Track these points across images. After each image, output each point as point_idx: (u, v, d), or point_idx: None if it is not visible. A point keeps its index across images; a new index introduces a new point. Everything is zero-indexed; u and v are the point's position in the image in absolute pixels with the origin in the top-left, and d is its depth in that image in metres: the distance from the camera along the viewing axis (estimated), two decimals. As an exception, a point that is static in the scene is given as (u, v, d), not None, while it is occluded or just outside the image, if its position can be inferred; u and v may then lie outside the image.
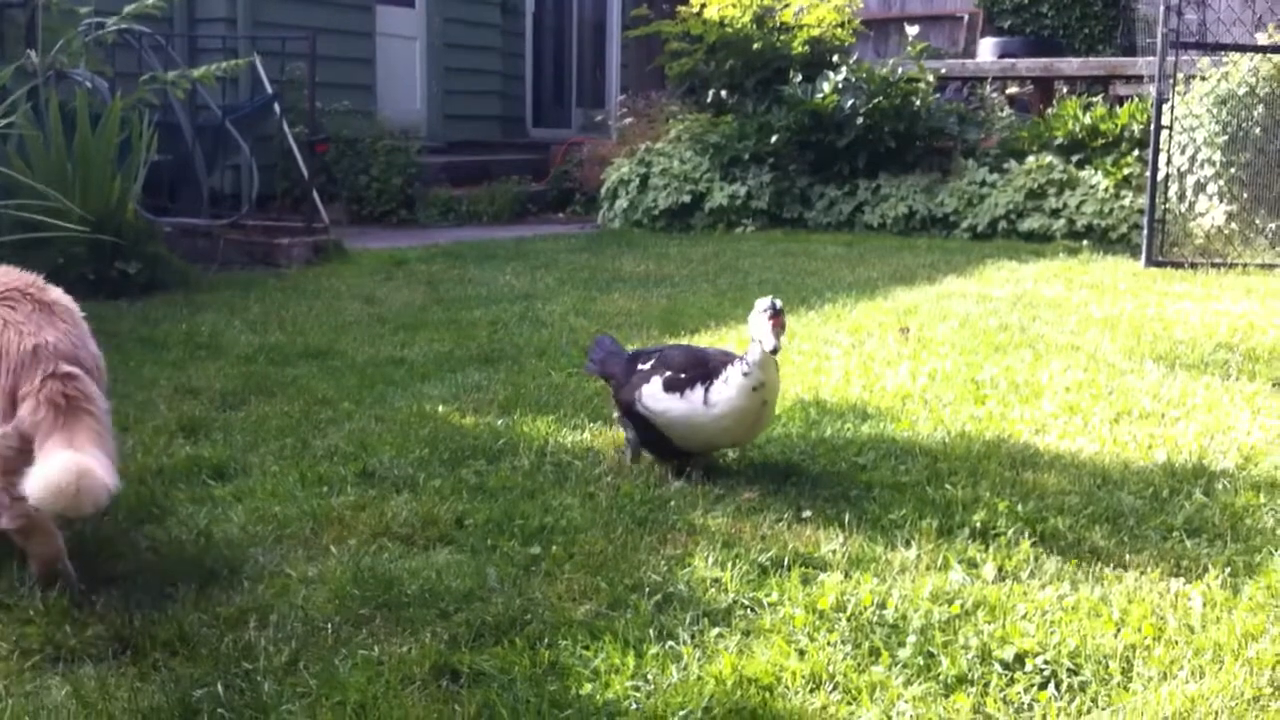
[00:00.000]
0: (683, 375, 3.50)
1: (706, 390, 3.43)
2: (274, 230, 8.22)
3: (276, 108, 9.05)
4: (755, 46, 10.87)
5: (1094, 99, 10.53)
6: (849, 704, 2.30)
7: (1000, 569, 2.91)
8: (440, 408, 4.24)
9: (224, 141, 8.76)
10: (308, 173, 8.80)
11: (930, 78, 10.48)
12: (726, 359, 3.51)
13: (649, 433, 3.58)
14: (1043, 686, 2.38)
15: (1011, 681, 2.39)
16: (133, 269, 6.39)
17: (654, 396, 3.52)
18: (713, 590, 2.77)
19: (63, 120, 6.20)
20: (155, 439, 3.81)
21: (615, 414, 3.82)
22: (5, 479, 2.54)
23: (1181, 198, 8.54)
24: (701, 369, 3.50)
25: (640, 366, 3.65)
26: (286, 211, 9.21)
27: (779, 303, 3.36)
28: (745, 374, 3.40)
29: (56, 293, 2.91)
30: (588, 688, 2.34)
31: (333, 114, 10.41)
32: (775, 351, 3.37)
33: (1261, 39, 8.66)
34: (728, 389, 3.41)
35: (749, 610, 2.68)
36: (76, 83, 7.05)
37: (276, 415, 4.12)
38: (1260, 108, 8.35)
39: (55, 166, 6.14)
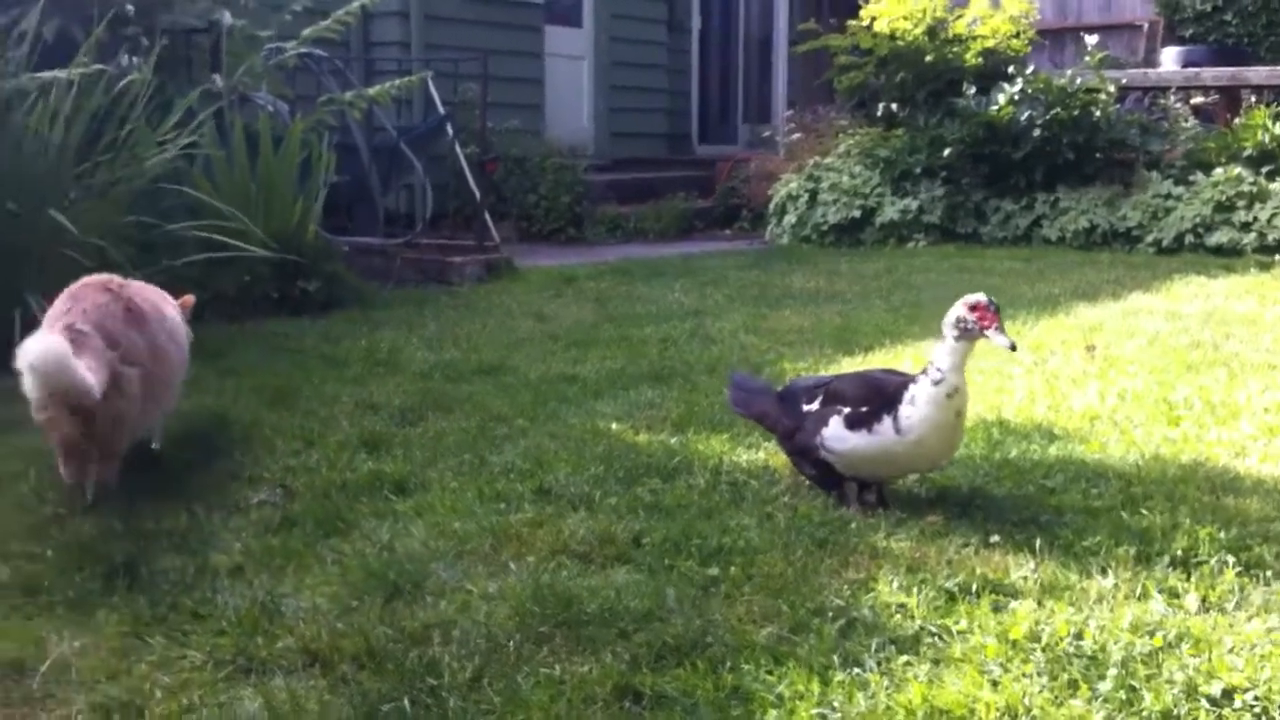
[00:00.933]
0: (864, 409, 3.33)
1: (895, 419, 3.27)
2: (447, 249, 8.37)
3: (449, 128, 9.21)
4: (927, 59, 10.68)
5: (1284, 108, 10.10)
6: (1047, 739, 2.20)
7: (1204, 599, 2.77)
8: (614, 425, 4.23)
9: (399, 162, 8.96)
10: (479, 192, 8.94)
11: (1110, 88, 10.16)
12: (904, 379, 3.38)
13: (832, 472, 3.43)
14: (1256, 726, 2.25)
15: (1220, 718, 2.26)
16: (313, 287, 6.55)
17: (839, 438, 3.35)
18: (898, 616, 2.69)
19: (246, 142, 6.40)
20: (339, 454, 3.88)
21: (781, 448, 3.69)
22: None
23: (1383, 209, 8.11)
24: (882, 397, 3.33)
25: (807, 407, 3.47)
26: (458, 230, 9.37)
27: (995, 299, 3.23)
28: (936, 382, 3.23)
29: (141, 295, 3.68)
30: (772, 714, 2.28)
31: (502, 133, 10.57)
32: (1013, 349, 3.27)
33: None
34: (918, 409, 3.24)
35: (937, 638, 2.59)
36: (259, 106, 7.28)
37: (454, 431, 4.16)
38: None
39: (239, 188, 6.33)
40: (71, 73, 5.45)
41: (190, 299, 4.14)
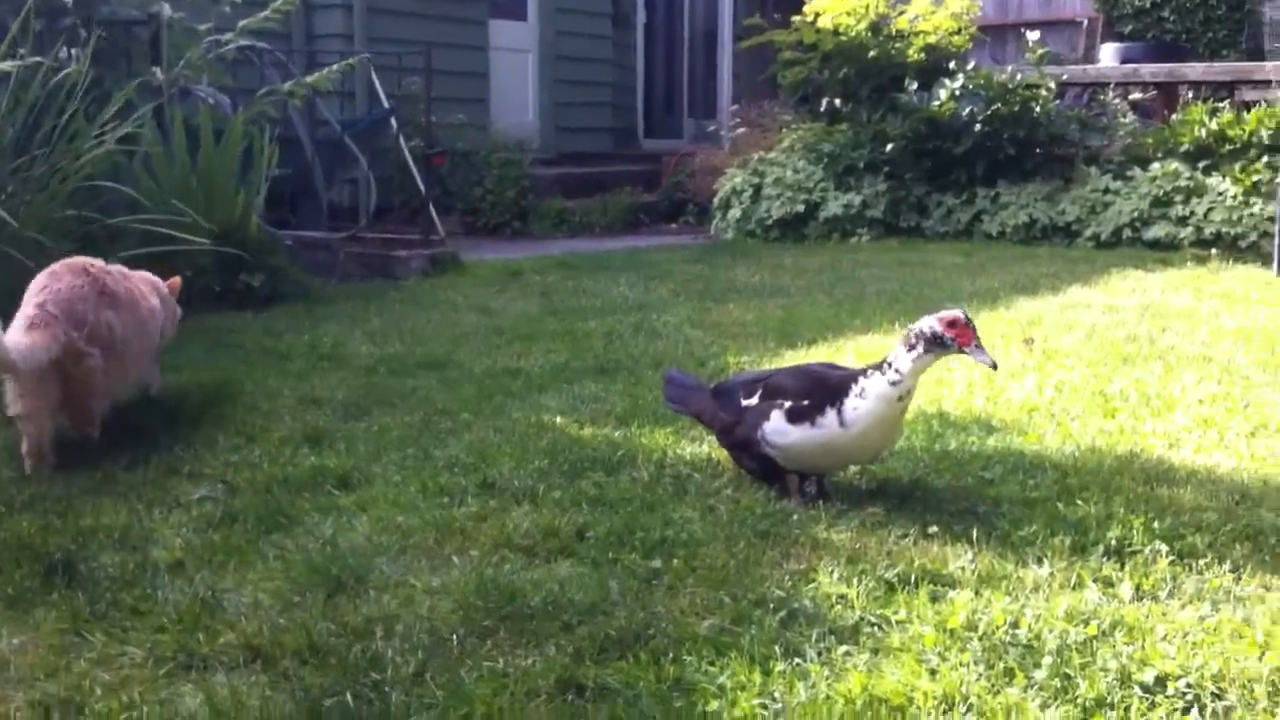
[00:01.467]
0: (806, 403, 3.35)
1: (840, 412, 3.29)
2: (391, 243, 8.33)
3: (393, 122, 9.17)
4: (870, 55, 10.75)
5: (1220, 104, 10.25)
6: (984, 726, 2.24)
7: (1138, 588, 2.82)
8: (558, 419, 4.24)
9: (342, 155, 8.91)
10: (424, 186, 8.91)
11: (1050, 84, 10.28)
12: (847, 373, 3.40)
13: (773, 466, 3.46)
14: (1185, 711, 2.29)
15: (1153, 705, 2.31)
16: (256, 281, 6.50)
17: (780, 431, 3.37)
18: (839, 607, 2.72)
19: (186, 135, 6.33)
20: (281, 449, 3.86)
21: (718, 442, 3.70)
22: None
23: (1315, 204, 8.25)
24: (824, 391, 3.35)
25: (746, 401, 3.48)
26: (403, 224, 9.33)
27: (968, 314, 3.26)
28: (893, 382, 3.25)
29: (116, 278, 3.99)
30: (714, 704, 2.30)
31: (448, 127, 10.52)
32: (995, 367, 3.34)
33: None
34: (867, 403, 3.27)
35: (876, 628, 2.63)
36: (199, 98, 7.21)
37: (398, 426, 4.15)
38: (1399, 110, 8.05)
39: (180, 181, 6.27)
40: (8, 65, 5.38)
41: (177, 281, 4.58)
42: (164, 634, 2.57)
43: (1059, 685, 2.37)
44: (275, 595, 2.76)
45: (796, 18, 11.25)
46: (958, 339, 3.22)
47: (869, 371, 3.32)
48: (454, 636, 2.56)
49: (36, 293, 3.76)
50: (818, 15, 10.98)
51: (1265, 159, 9.04)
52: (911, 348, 3.26)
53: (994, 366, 3.33)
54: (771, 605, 2.71)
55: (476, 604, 2.69)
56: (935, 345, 3.24)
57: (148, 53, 7.18)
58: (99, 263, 4.02)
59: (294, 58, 9.55)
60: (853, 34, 10.84)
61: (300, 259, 7.39)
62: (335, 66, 7.81)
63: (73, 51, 6.37)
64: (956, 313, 3.24)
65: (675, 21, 15.27)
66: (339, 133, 8.88)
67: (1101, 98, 11.20)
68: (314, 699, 2.29)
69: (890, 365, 3.28)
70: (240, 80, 8.30)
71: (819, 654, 2.50)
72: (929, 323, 3.25)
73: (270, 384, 4.72)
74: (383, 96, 9.55)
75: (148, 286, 4.30)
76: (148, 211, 5.88)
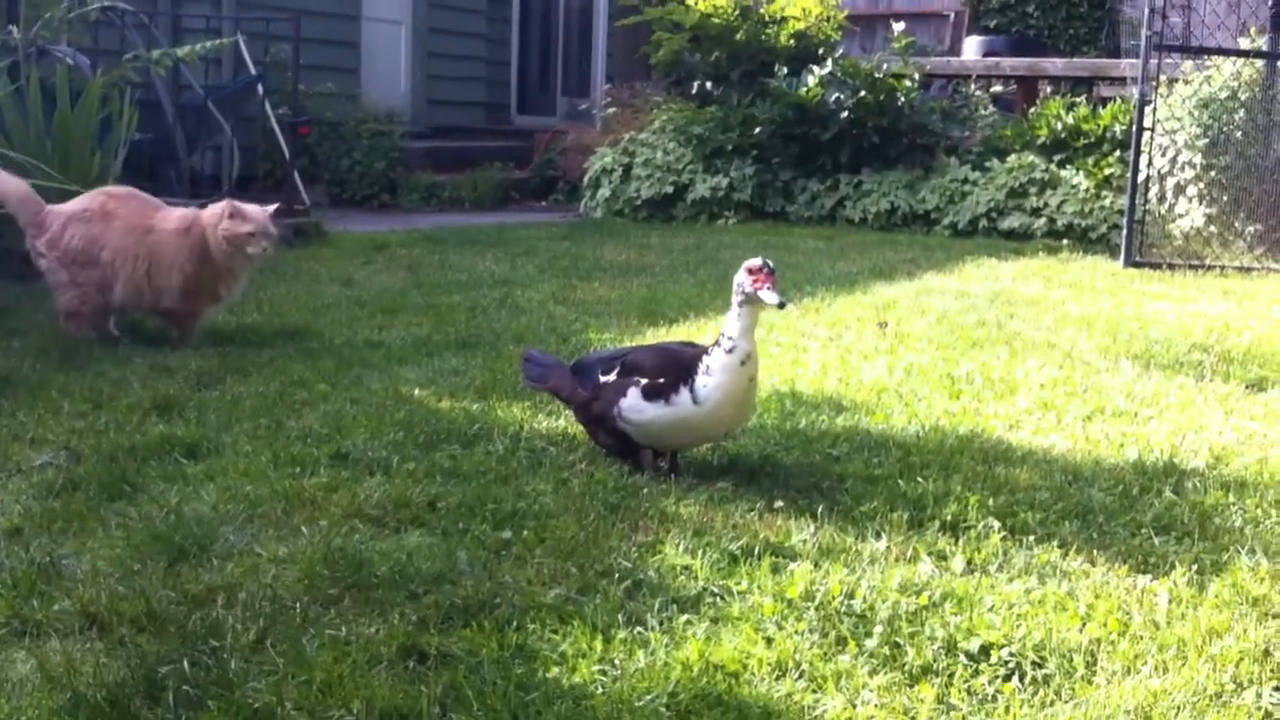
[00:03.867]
0: (662, 380, 3.39)
1: (691, 389, 3.34)
2: (254, 212, 8.17)
3: (260, 89, 9.01)
4: (739, 38, 10.87)
5: (1077, 99, 10.57)
6: (814, 692, 2.31)
7: (969, 562, 2.92)
8: (416, 391, 4.24)
9: (206, 121, 8.73)
10: (289, 154, 8.78)
11: (915, 74, 10.51)
12: (699, 350, 3.45)
13: (628, 441, 3.50)
14: (1007, 678, 2.39)
15: (976, 673, 2.40)
16: (110, 246, 6.33)
17: (636, 409, 3.41)
18: (683, 578, 2.78)
19: (43, 96, 6.16)
20: (129, 416, 3.80)
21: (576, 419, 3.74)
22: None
23: (1161, 199, 8.58)
24: (678, 368, 3.39)
25: (604, 377, 3.52)
26: (267, 193, 9.16)
27: (771, 262, 3.32)
28: (729, 350, 3.32)
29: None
30: (554, 671, 2.34)
31: (317, 97, 10.39)
32: (783, 306, 3.33)
33: (1244, 43, 8.70)
34: (713, 378, 3.32)
35: (718, 598, 2.69)
36: (57, 59, 7.01)
37: (251, 396, 4.11)
38: (1241, 112, 8.40)
39: (34, 142, 6.09)
40: None
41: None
42: (-3, 600, 2.52)
43: (888, 653, 2.45)
44: (115, 563, 2.72)
45: (670, -1, 11.34)
46: (753, 283, 3.30)
47: (712, 348, 3.39)
48: (297, 605, 2.55)
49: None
50: (691, -4, 11.08)
51: (1118, 154, 9.36)
52: (735, 309, 3.34)
53: (781, 306, 3.34)
54: (617, 575, 2.76)
55: (322, 573, 2.69)
56: (745, 296, 3.32)
57: (5, 10, 6.95)
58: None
59: (158, 20, 9.33)
60: (723, 16, 10.94)
61: (159, 225, 7.20)
62: (206, 44, 7.64)
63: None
64: (756, 260, 3.33)
65: (552, -2, 15.25)
66: (203, 98, 8.69)
67: (964, 89, 11.46)
68: (149, 665, 2.27)
69: (723, 334, 3.36)
70: (101, 42, 8.08)
71: (660, 623, 2.55)
72: (738, 275, 3.34)
73: (120, 351, 4.63)
74: (250, 63, 9.37)
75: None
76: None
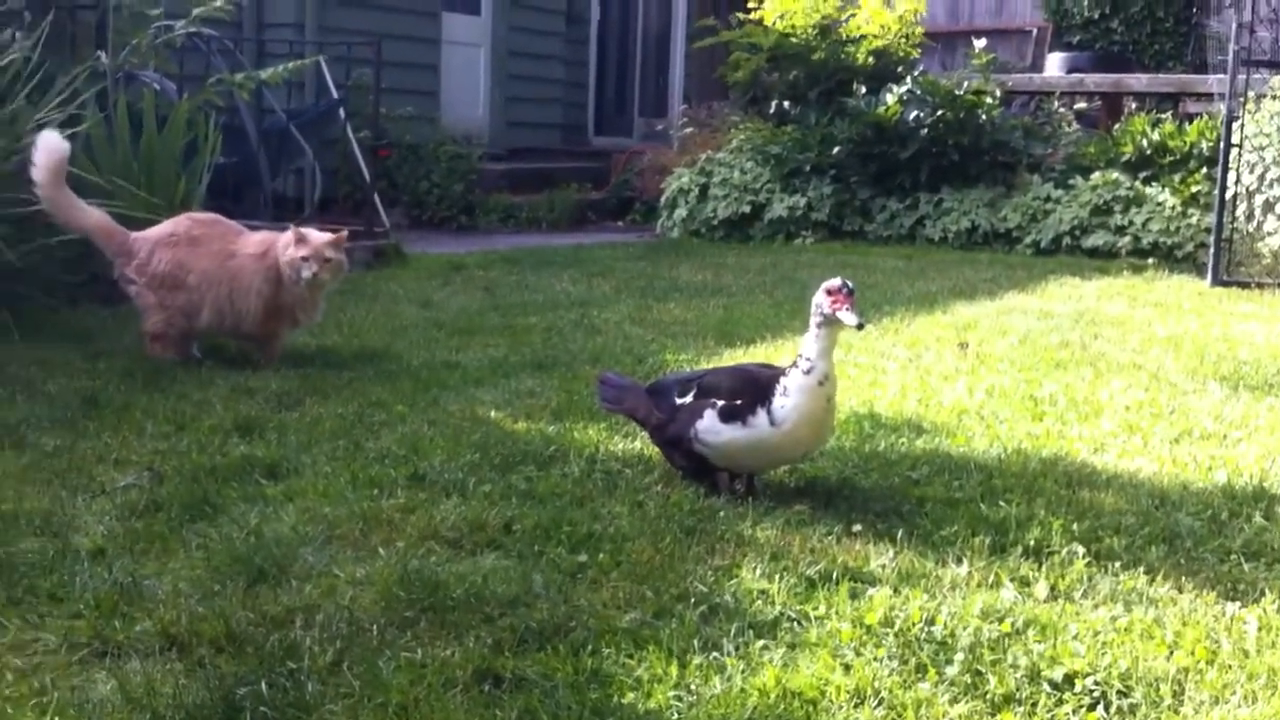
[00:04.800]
0: (739, 402, 3.37)
1: (769, 411, 3.32)
2: (335, 234, 8.26)
3: (341, 112, 9.13)
4: (817, 57, 10.83)
5: (1162, 116, 10.40)
6: (894, 721, 2.27)
7: (1053, 588, 2.86)
8: (493, 413, 4.25)
9: (288, 145, 8.85)
10: (370, 177, 8.88)
11: (996, 91, 10.39)
12: (776, 372, 3.43)
13: (704, 464, 3.48)
14: (1092, 708, 2.34)
15: (1060, 702, 2.35)
16: (195, 269, 6.44)
17: (713, 431, 3.39)
18: (759, 602, 2.75)
19: (130, 121, 6.28)
20: (210, 437, 3.84)
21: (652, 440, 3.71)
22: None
23: (1249, 217, 8.39)
24: (755, 389, 3.37)
25: (680, 399, 3.50)
26: (348, 215, 9.29)
27: (850, 282, 3.29)
28: (807, 371, 3.29)
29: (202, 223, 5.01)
30: (630, 696, 2.32)
31: (396, 119, 10.50)
32: (861, 327, 3.30)
33: (1335, 57, 8.51)
34: (790, 399, 3.30)
35: (795, 623, 2.65)
36: (144, 84, 7.15)
37: (331, 417, 4.14)
38: (1332, 127, 8.20)
39: (121, 166, 6.21)
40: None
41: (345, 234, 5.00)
42: (80, 620, 2.55)
43: (969, 681, 2.40)
44: (195, 583, 2.75)
45: (742, 16, 11.32)
46: (832, 304, 3.27)
47: (789, 369, 3.36)
48: (374, 627, 2.56)
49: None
50: (763, 17, 11.06)
51: (1204, 171, 9.18)
52: (813, 329, 3.31)
53: (860, 327, 3.33)
54: (693, 600, 2.73)
55: (399, 595, 2.70)
56: (824, 317, 3.29)
57: (94, 37, 7.10)
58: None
59: (243, 46, 9.49)
60: (801, 37, 10.91)
61: (242, 248, 7.30)
62: (289, 65, 7.76)
63: (16, 34, 6.29)
64: (835, 280, 3.29)
65: (629, 20, 15.30)
66: (285, 122, 8.82)
67: (1046, 106, 11.32)
68: (228, 687, 2.29)
69: (801, 355, 3.33)
70: (187, 67, 8.23)
71: (737, 648, 2.52)
72: (817, 295, 3.31)
73: (203, 373, 4.70)
74: (332, 87, 9.50)
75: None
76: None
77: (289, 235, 4.80)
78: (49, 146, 4.70)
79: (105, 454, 3.66)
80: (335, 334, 5.56)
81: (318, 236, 4.81)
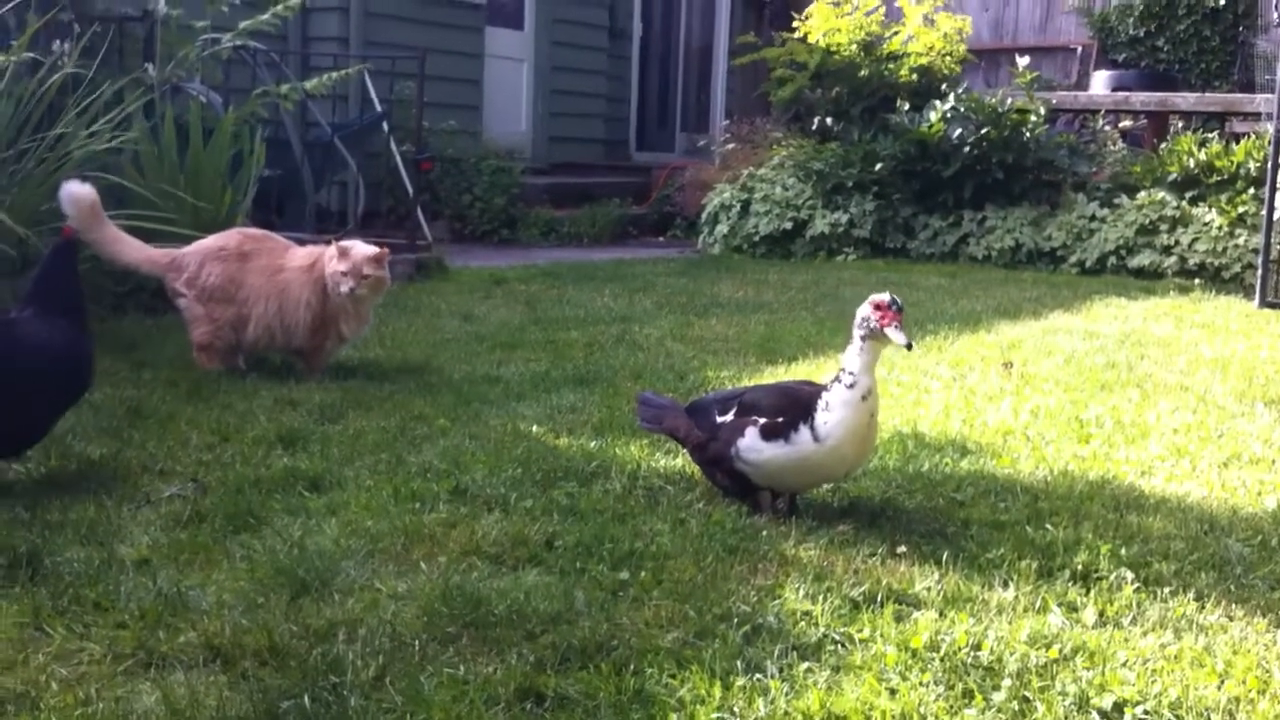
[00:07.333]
0: (780, 419, 3.35)
1: (811, 426, 3.29)
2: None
3: (385, 126, 9.17)
4: (861, 74, 10.81)
5: (1209, 135, 10.30)
6: (940, 747, 2.25)
7: (1101, 614, 2.83)
8: (534, 428, 4.24)
9: (332, 158, 8.91)
10: (412, 190, 8.92)
11: (1041, 109, 10.32)
12: (817, 388, 3.40)
13: (746, 482, 3.46)
14: (1143, 738, 2.30)
15: (1110, 731, 2.32)
16: (239, 281, 6.47)
17: (754, 449, 3.37)
18: (803, 623, 2.73)
19: (177, 133, 6.33)
20: (254, 449, 3.86)
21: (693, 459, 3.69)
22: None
23: (1298, 238, 8.29)
24: (797, 406, 3.34)
25: (721, 418, 3.48)
26: (390, 228, 9.31)
27: (899, 299, 3.26)
28: (850, 385, 3.26)
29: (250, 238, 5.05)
30: (673, 717, 2.31)
31: (439, 133, 10.54)
32: (910, 347, 3.28)
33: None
34: (834, 414, 3.27)
35: (839, 645, 2.63)
36: (191, 96, 7.21)
37: (373, 430, 4.15)
38: (1384, 147, 8.09)
39: (168, 178, 6.26)
40: (3, 58, 5.37)
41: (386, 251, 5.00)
42: (124, 631, 2.56)
43: (1017, 708, 2.38)
44: (239, 595, 2.76)
45: (785, 33, 11.31)
46: (880, 319, 3.24)
47: (831, 384, 3.33)
48: (416, 642, 2.55)
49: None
50: (807, 34, 11.04)
51: (1252, 191, 9.08)
52: (854, 342, 3.29)
53: (909, 346, 3.29)
54: (736, 620, 2.71)
55: (441, 610, 2.69)
56: (869, 331, 3.26)
57: (142, 49, 7.17)
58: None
59: (288, 59, 9.56)
60: (844, 53, 10.88)
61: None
62: (333, 75, 7.81)
63: (65, 46, 6.36)
64: (884, 295, 3.26)
65: (671, 35, 15.32)
66: (329, 135, 8.88)
67: (1091, 124, 11.24)
68: (271, 700, 2.29)
69: (844, 369, 3.30)
70: (233, 80, 8.30)
71: (780, 670, 2.50)
72: (863, 309, 3.28)
73: (246, 385, 4.72)
74: (375, 100, 9.56)
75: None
76: (134, 208, 5.86)
77: (332, 249, 4.83)
78: (73, 198, 4.56)
79: (150, 464, 3.68)
80: (377, 347, 5.57)
81: (359, 252, 4.82)
